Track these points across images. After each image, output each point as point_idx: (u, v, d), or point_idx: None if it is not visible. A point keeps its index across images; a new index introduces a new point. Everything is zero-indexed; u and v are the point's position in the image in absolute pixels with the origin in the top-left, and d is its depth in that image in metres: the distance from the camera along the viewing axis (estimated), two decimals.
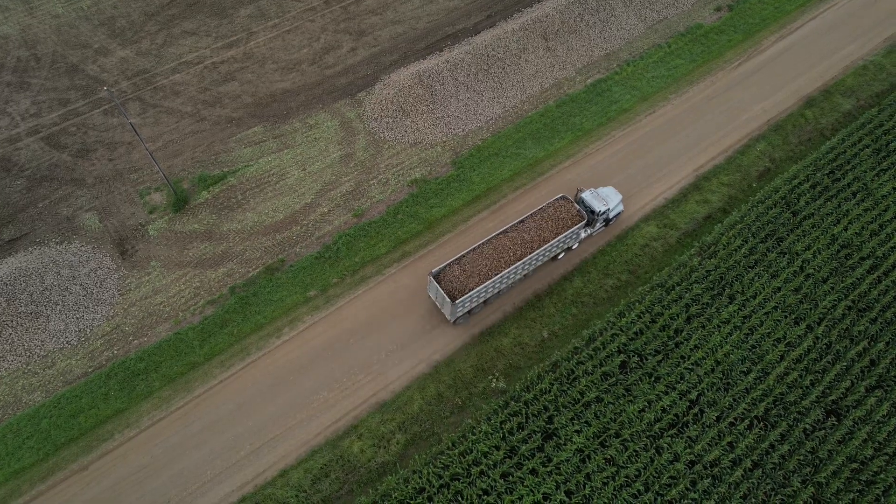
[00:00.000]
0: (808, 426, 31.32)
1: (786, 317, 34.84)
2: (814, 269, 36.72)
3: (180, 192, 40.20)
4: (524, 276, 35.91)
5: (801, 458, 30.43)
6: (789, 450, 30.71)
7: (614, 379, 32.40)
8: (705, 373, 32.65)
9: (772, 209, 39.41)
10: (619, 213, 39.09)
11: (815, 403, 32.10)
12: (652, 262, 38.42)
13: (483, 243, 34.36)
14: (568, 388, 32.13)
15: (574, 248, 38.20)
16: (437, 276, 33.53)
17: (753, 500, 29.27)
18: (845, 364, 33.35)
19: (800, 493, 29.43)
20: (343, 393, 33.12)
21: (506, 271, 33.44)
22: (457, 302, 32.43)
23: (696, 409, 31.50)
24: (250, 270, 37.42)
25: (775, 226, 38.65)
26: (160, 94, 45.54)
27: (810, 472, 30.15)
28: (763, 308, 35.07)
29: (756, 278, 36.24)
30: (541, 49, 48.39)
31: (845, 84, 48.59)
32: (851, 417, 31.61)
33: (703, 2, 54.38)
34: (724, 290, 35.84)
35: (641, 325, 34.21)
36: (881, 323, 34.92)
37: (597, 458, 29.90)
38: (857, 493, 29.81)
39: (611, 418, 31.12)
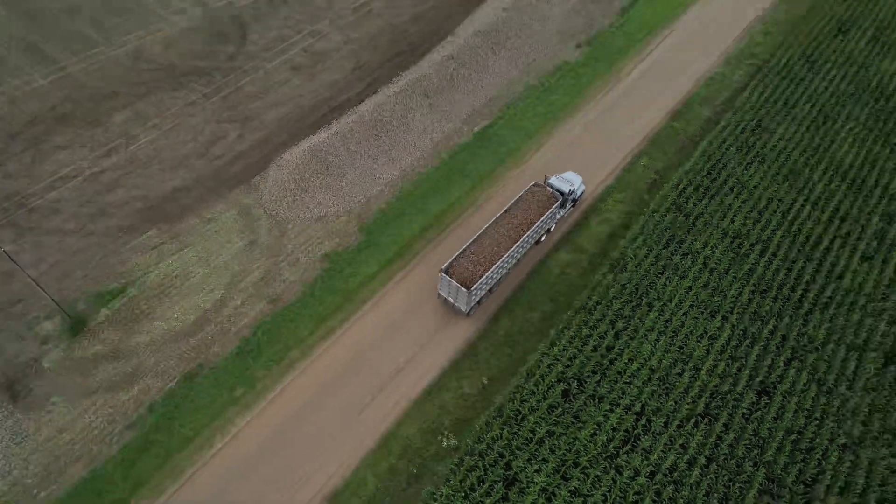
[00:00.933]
0: (745, 411, 32.79)
1: (702, 313, 36.83)
2: (714, 263, 39.33)
3: (75, 316, 37.43)
4: (518, 260, 39.41)
5: (747, 442, 31.69)
6: (735, 437, 31.93)
7: (560, 409, 32.65)
8: (643, 383, 33.64)
9: (666, 216, 42.13)
10: (582, 193, 43.69)
11: (746, 388, 33.76)
12: (571, 288, 39.68)
13: (480, 235, 37.60)
14: (518, 430, 31.99)
15: (552, 229, 41.96)
16: (447, 271, 36.00)
17: (716, 494, 29.98)
18: (762, 344, 35.53)
19: (754, 477, 30.48)
20: (291, 491, 31.18)
21: (508, 253, 36.82)
22: (472, 289, 35.29)
23: (643, 421, 32.21)
24: (168, 382, 35.06)
25: (672, 230, 41.27)
26: (37, 216, 42.82)
27: (758, 453, 31.41)
28: (680, 309, 36.93)
29: (667, 283, 38.26)
30: (425, 107, 50.18)
31: (700, 95, 53.69)
32: (780, 392, 33.47)
33: (564, 42, 58.82)
34: (642, 299, 37.49)
35: (574, 349, 34.97)
36: (781, 300, 37.69)
37: (562, 492, 29.68)
38: (802, 462, 31.27)
39: (566, 449, 31.16)
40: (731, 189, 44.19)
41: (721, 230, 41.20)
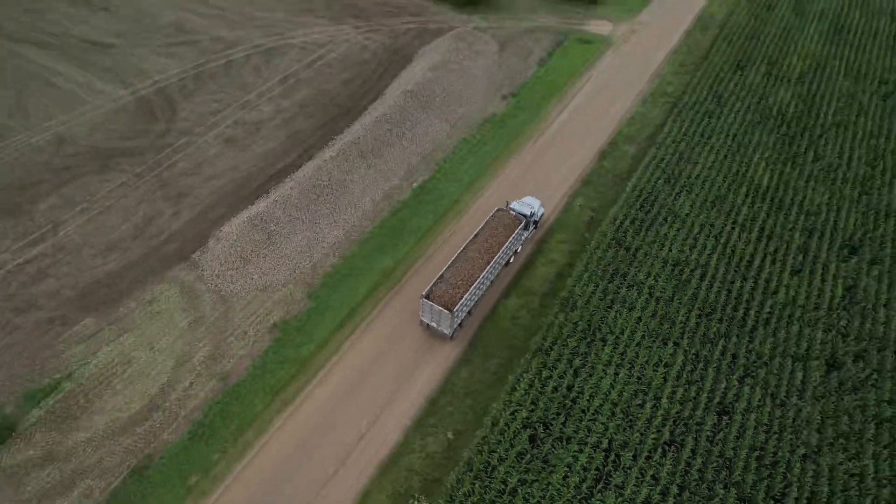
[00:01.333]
0: (708, 433, 33.27)
1: (654, 342, 37.66)
2: (659, 291, 40.58)
3: (3, 420, 34.59)
4: (492, 282, 41.44)
5: (715, 465, 32.02)
6: (702, 462, 32.22)
7: (529, 455, 32.22)
8: (607, 418, 33.74)
9: (607, 251, 43.44)
10: (542, 214, 46.23)
11: (706, 411, 34.38)
12: (525, 332, 39.91)
13: (454, 259, 39.39)
14: (490, 482, 31.27)
15: (518, 250, 44.13)
16: (428, 297, 37.15)
17: None
18: (715, 366, 36.51)
19: (727, 499, 30.68)
20: None
21: (483, 274, 38.49)
22: (454, 311, 36.56)
23: (612, 457, 32.14)
24: (113, 480, 32.57)
25: (615, 264, 42.51)
26: None
27: (726, 475, 31.73)
28: (633, 340, 37.65)
29: (617, 316, 39.08)
30: (362, 167, 50.66)
31: (624, 134, 56.62)
32: (738, 411, 34.24)
33: (491, 95, 61.22)
34: (595, 335, 38.06)
35: (535, 393, 34.87)
36: (726, 321, 39.10)
37: None
38: (768, 478, 31.78)
39: (540, 496, 30.59)
40: (665, 219, 46.18)
41: (661, 259, 42.75)
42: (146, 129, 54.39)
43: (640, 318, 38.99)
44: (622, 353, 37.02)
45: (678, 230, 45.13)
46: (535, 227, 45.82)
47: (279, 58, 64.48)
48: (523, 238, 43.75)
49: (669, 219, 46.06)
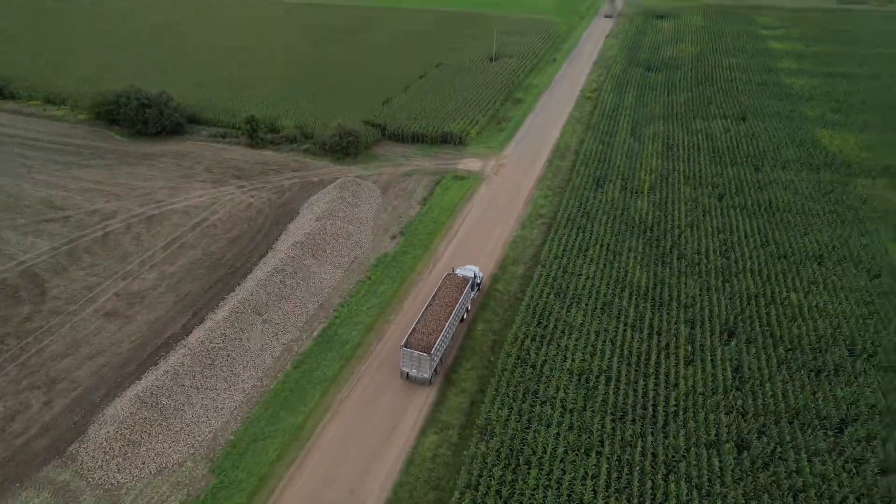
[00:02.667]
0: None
1: (576, 455, 37.47)
2: (571, 403, 41.16)
3: None
4: (454, 330, 48.21)
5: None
6: None
7: None
8: None
9: (514, 372, 43.97)
10: (481, 279, 53.68)
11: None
12: (448, 469, 38.34)
13: (421, 315, 46.37)
14: None
15: (469, 308, 51.64)
16: (407, 345, 43.22)
17: None
18: (638, 468, 36.69)
19: None
20: None
21: (448, 322, 45.53)
22: (431, 353, 42.69)
23: None
24: None
25: (525, 383, 42.97)
26: None
27: None
28: (556, 457, 37.25)
29: (536, 435, 38.82)
30: (258, 324, 49.08)
31: (510, 257, 60.01)
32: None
33: (380, 236, 63.22)
34: (519, 459, 37.33)
35: None
36: (639, 420, 40.09)
37: None
38: None
39: None
40: (563, 332, 48.11)
41: (567, 371, 43.89)
42: (8, 314, 49.94)
43: (558, 434, 38.98)
44: (548, 474, 36.36)
45: (577, 340, 47.02)
46: (478, 289, 53.47)
47: (161, 224, 63.36)
48: (471, 297, 51.40)
49: (566, 331, 48.06)
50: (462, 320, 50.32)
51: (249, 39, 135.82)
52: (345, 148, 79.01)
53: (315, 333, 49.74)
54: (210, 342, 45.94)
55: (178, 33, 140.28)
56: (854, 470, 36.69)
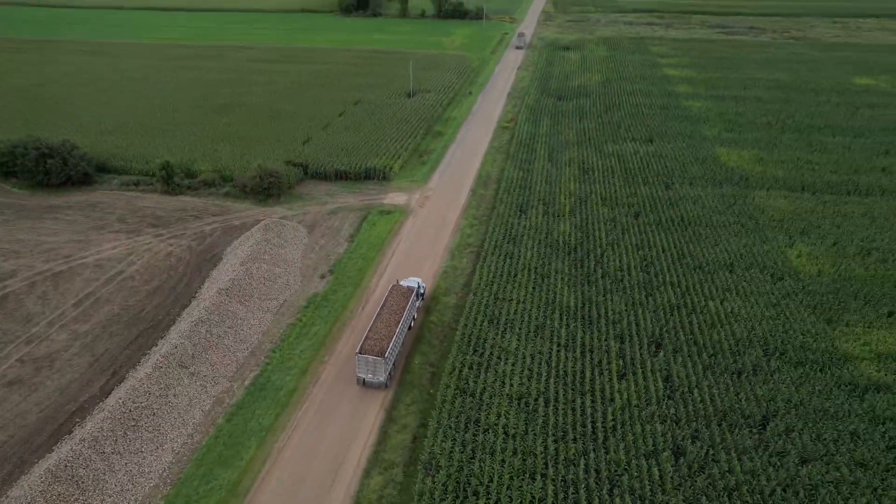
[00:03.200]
0: None
1: (522, 481, 37.55)
2: (512, 428, 41.35)
3: None
4: (403, 337, 50.82)
5: None
6: None
7: None
8: None
9: (454, 402, 43.83)
10: (425, 289, 57.49)
11: None
12: None
13: (373, 322, 48.91)
14: None
15: (415, 316, 54.96)
16: (362, 352, 45.63)
17: None
18: (584, 485, 37.19)
19: None
20: None
21: (398, 328, 48.10)
22: (386, 355, 45.28)
23: None
24: None
25: (466, 413, 42.85)
26: None
27: None
28: (503, 485, 37.16)
29: (481, 465, 38.64)
30: (185, 378, 46.57)
31: (442, 287, 60.30)
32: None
33: (309, 276, 61.96)
34: (467, 492, 36.98)
35: None
36: (579, 438, 40.79)
37: None
38: None
39: None
40: (499, 357, 48.56)
41: (506, 396, 44.20)
42: None
43: (503, 461, 38.99)
44: (496, 502, 36.18)
45: (513, 365, 47.56)
46: (422, 298, 56.62)
47: (70, 281, 59.40)
48: (417, 305, 54.51)
49: (502, 356, 48.54)
50: (410, 328, 53.06)
51: (160, 83, 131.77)
52: (267, 189, 77.48)
53: (247, 382, 47.73)
54: (132, 402, 43.06)
55: (83, 80, 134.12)
56: (778, 463, 38.76)
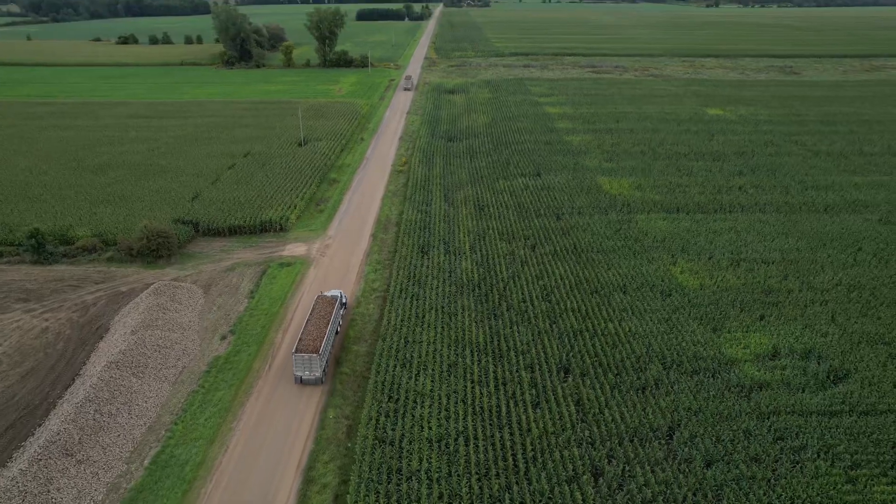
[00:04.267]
0: None
1: None
2: (436, 472, 40.80)
3: None
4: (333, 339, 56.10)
5: None
6: None
7: None
8: None
9: (374, 453, 42.65)
10: (347, 299, 63.35)
11: None
12: None
13: (305, 325, 53.77)
14: None
15: (340, 323, 59.91)
16: (297, 351, 50.16)
17: None
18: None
19: None
20: None
21: (328, 330, 52.89)
22: (320, 352, 49.94)
23: None
24: None
25: (387, 462, 41.78)
26: None
27: None
28: None
29: None
30: (71, 468, 41.88)
31: (350, 336, 59.15)
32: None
33: (208, 338, 58.49)
34: None
35: None
36: (502, 473, 40.94)
37: None
38: None
39: None
40: (415, 401, 48.06)
41: (426, 440, 43.66)
42: None
43: None
44: None
45: (430, 407, 47.22)
46: (345, 307, 61.99)
47: None
48: (341, 312, 59.38)
49: (418, 400, 48.11)
50: (337, 333, 57.98)
51: (25, 144, 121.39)
52: (155, 251, 72.95)
53: (146, 461, 43.77)
54: (6, 502, 38.04)
55: None
56: (686, 469, 41.01)
